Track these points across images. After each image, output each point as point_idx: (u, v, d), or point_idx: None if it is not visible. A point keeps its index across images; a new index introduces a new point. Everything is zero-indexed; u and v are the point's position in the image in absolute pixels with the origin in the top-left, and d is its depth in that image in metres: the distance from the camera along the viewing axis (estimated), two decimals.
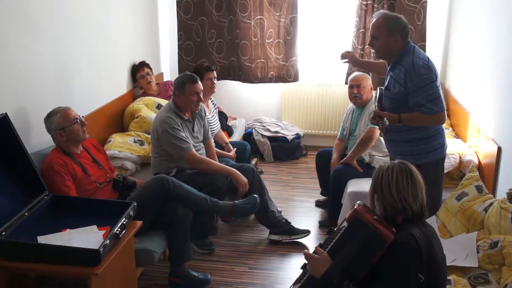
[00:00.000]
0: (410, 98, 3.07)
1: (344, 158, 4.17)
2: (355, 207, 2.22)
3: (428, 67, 3.08)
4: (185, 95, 3.72)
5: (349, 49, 5.52)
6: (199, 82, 3.79)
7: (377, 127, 3.24)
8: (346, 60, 3.76)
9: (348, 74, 5.17)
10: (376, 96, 3.37)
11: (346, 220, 2.23)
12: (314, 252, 2.26)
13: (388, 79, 3.23)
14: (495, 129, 3.70)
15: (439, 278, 2.14)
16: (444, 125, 4.66)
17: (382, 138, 4.08)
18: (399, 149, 3.28)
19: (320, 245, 2.31)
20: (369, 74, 4.32)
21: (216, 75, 4.53)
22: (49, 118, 3.09)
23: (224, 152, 4.42)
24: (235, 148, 4.50)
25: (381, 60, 3.78)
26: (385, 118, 3.11)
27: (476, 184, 3.25)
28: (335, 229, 2.29)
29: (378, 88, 3.36)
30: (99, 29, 4.12)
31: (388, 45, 3.13)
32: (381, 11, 3.27)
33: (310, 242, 4.00)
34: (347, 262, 2.14)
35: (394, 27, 3.10)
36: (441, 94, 3.16)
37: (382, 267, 2.09)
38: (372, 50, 3.40)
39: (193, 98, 3.73)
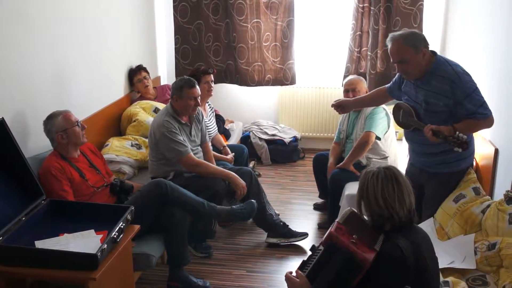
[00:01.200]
0: (460, 107, 2.99)
1: (341, 163, 4.16)
2: (331, 229, 2.16)
3: (468, 74, 3.04)
4: (182, 100, 3.72)
5: (346, 51, 5.54)
6: (197, 87, 3.79)
7: (449, 145, 2.93)
8: (339, 110, 3.76)
9: (345, 77, 5.17)
10: (401, 112, 3.24)
11: (322, 244, 2.19)
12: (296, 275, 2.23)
13: (422, 93, 3.09)
14: (492, 131, 3.69)
15: (428, 285, 2.14)
16: None
17: (378, 141, 4.09)
18: (431, 160, 3.19)
19: (303, 264, 2.27)
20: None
21: (213, 78, 4.53)
22: (50, 120, 3.09)
23: (222, 155, 4.42)
24: (233, 153, 4.50)
25: (373, 91, 3.80)
26: (457, 132, 2.88)
27: (474, 186, 3.25)
28: (316, 248, 2.26)
29: (398, 103, 3.27)
30: (96, 33, 4.12)
31: (419, 62, 3.02)
32: (394, 35, 3.09)
33: (308, 245, 3.99)
34: (326, 286, 2.10)
35: (417, 43, 3.01)
36: None
37: (371, 277, 2.09)
38: (401, 75, 3.24)
39: (190, 102, 3.73)
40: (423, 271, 2.09)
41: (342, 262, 2.09)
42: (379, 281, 2.07)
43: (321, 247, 2.19)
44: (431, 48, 3.13)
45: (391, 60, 3.18)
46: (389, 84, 3.52)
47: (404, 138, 4.95)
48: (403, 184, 2.16)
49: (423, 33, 5.20)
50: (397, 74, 3.37)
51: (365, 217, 2.25)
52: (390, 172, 2.17)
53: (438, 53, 5.43)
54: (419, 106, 3.15)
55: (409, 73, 3.10)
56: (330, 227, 2.19)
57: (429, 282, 2.13)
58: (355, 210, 2.27)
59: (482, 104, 3.00)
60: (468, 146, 2.91)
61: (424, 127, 3.01)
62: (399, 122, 3.35)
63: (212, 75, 4.51)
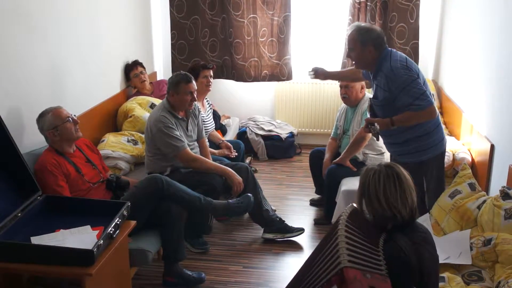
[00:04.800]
0: (397, 101, 3.13)
1: (337, 159, 4.18)
2: (340, 274, 1.94)
3: (406, 67, 3.14)
4: (179, 95, 3.72)
5: (342, 47, 5.53)
6: (193, 82, 3.78)
7: (371, 133, 3.33)
8: (313, 76, 3.82)
9: None
10: (368, 106, 3.44)
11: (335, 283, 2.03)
12: None
13: (374, 87, 3.30)
14: (488, 126, 3.71)
15: (430, 284, 2.12)
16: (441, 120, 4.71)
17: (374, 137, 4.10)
18: (399, 149, 3.34)
19: None
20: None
21: (212, 74, 4.53)
22: (41, 118, 3.08)
23: (221, 151, 4.43)
24: (235, 151, 4.51)
25: (350, 69, 3.86)
26: (375, 124, 3.18)
27: (469, 181, 3.26)
28: None
29: (369, 99, 3.42)
30: (91, 28, 4.10)
31: (363, 56, 3.22)
32: (355, 23, 3.34)
33: (304, 240, 4.00)
34: None
35: (366, 39, 3.19)
36: (429, 90, 3.18)
37: None
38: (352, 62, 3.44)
39: (187, 97, 3.73)
40: (425, 272, 2.06)
41: None
42: None
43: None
44: (424, 44, 3.20)
45: None
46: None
47: None
48: (405, 182, 2.12)
49: (420, 29, 5.26)
50: None
51: (367, 215, 2.21)
52: (392, 170, 2.13)
53: (434, 48, 5.47)
54: (373, 100, 3.33)
55: (354, 61, 3.34)
56: (337, 270, 1.97)
57: (430, 281, 2.11)
58: (357, 208, 2.23)
59: (420, 96, 3.09)
60: (378, 138, 3.32)
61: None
62: None
63: (211, 70, 4.51)
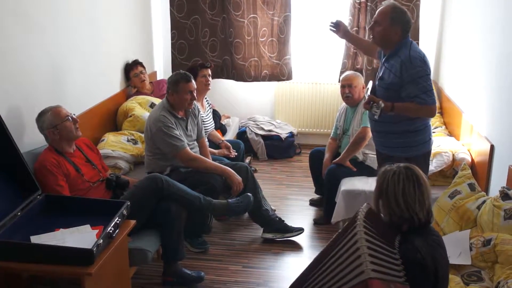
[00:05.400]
0: (404, 89, 3.11)
1: (337, 159, 4.18)
2: (365, 285, 1.90)
3: (423, 60, 3.12)
4: (178, 94, 3.72)
5: (343, 47, 5.54)
6: (193, 81, 3.78)
7: (372, 115, 3.20)
8: (334, 29, 3.66)
9: (342, 73, 5.18)
10: (368, 88, 3.37)
11: None
12: None
13: (382, 69, 3.26)
14: (488, 127, 3.71)
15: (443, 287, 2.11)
16: (437, 123, 4.71)
17: None
18: (386, 141, 3.31)
19: None
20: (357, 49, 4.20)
21: (210, 73, 4.52)
22: (41, 117, 3.08)
23: (223, 151, 4.43)
24: (234, 151, 4.51)
25: (369, 40, 3.79)
26: (380, 101, 3.09)
27: (469, 182, 3.26)
28: None
29: (370, 81, 3.36)
30: (91, 28, 4.10)
31: (387, 34, 3.16)
32: (392, 1, 3.28)
33: (304, 240, 4.00)
34: None
35: (397, 19, 3.13)
36: (434, 91, 3.18)
37: None
38: (371, 36, 3.37)
39: (186, 96, 3.73)
40: (439, 273, 2.05)
41: None
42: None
43: None
44: (424, 43, 3.17)
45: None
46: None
47: None
48: (424, 185, 2.10)
49: (420, 28, 5.26)
50: None
51: (383, 216, 2.18)
52: (412, 172, 2.11)
53: (434, 48, 5.47)
54: (378, 81, 3.28)
55: (375, 36, 3.24)
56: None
57: (442, 284, 2.09)
58: (372, 207, 2.21)
59: (427, 91, 3.08)
60: (380, 115, 3.09)
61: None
62: None
63: (209, 69, 4.50)
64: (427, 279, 2.01)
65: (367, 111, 4.07)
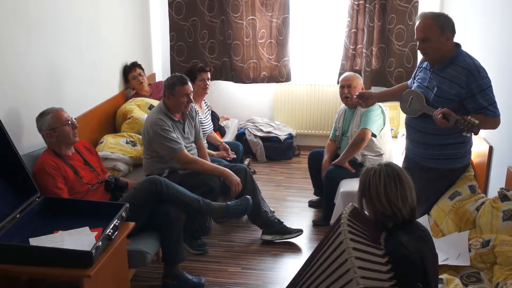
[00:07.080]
0: (471, 100, 2.96)
1: (336, 160, 4.18)
2: None
3: (485, 71, 3.01)
4: (175, 97, 3.72)
5: (341, 49, 5.54)
6: (189, 84, 3.78)
7: (460, 127, 2.86)
8: (359, 100, 3.58)
9: (340, 74, 5.18)
10: (411, 99, 3.18)
11: None
12: None
13: (436, 79, 3.08)
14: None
15: (432, 282, 2.12)
16: None
17: (374, 138, 4.10)
18: (430, 152, 3.18)
19: None
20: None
21: (209, 76, 4.52)
22: (41, 118, 3.08)
23: (222, 153, 4.43)
24: (233, 153, 4.51)
25: (397, 85, 3.68)
26: (469, 117, 2.83)
27: (470, 184, 3.26)
28: None
29: (408, 91, 3.23)
30: (90, 30, 4.10)
31: (441, 45, 3.01)
32: (425, 12, 3.10)
33: (303, 242, 4.00)
34: None
35: (445, 25, 3.00)
36: None
37: None
38: (420, 55, 3.21)
39: (182, 99, 3.72)
40: (427, 267, 2.07)
41: None
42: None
43: None
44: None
45: (415, 37, 3.12)
46: (410, 80, 3.46)
47: (399, 134, 4.99)
48: (405, 181, 2.12)
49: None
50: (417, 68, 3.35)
51: (367, 214, 2.21)
52: (392, 169, 2.13)
53: None
54: (430, 92, 3.11)
55: (428, 53, 3.08)
56: None
57: (430, 279, 2.11)
58: (357, 206, 2.24)
59: (493, 103, 2.97)
60: (479, 130, 2.85)
61: (434, 111, 2.96)
62: (405, 109, 3.25)
63: (209, 73, 4.50)
64: (416, 274, 2.02)
65: (365, 113, 4.09)
